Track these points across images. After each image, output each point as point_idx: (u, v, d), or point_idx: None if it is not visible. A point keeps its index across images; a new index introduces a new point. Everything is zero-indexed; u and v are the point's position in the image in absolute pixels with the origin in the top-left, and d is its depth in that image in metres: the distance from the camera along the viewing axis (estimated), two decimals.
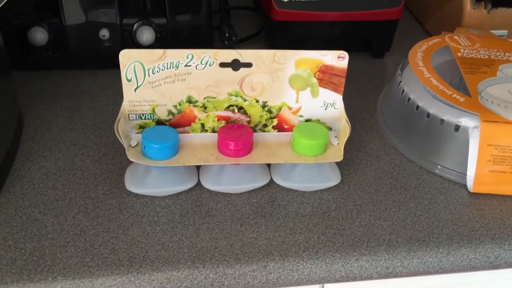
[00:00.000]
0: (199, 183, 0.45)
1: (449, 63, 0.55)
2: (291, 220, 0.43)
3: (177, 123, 0.45)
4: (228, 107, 0.45)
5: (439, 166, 0.49)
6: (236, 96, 0.44)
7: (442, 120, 0.48)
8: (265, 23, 0.69)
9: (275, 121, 0.46)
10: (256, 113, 0.45)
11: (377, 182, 0.48)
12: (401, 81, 0.53)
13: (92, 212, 0.43)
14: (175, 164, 0.43)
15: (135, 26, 0.59)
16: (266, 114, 0.46)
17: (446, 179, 0.48)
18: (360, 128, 0.54)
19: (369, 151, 0.51)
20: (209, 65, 0.42)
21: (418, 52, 0.55)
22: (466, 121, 0.46)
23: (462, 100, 0.48)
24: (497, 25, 0.67)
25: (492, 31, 0.64)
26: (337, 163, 0.47)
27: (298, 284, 0.40)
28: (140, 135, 0.44)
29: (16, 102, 0.51)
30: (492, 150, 0.45)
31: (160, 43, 0.60)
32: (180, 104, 0.44)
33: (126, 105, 0.43)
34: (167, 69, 0.42)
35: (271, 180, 0.46)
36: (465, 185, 0.47)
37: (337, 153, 0.45)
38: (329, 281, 0.41)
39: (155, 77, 0.42)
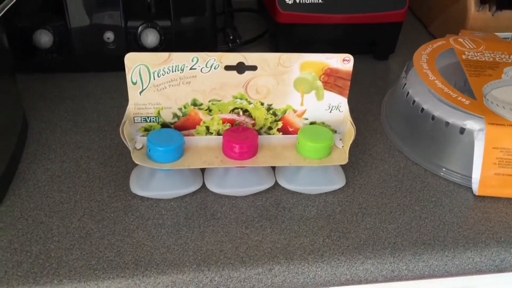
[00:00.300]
0: (204, 185, 0.45)
1: (454, 65, 0.55)
2: (296, 223, 0.43)
3: (182, 126, 0.45)
4: (233, 110, 0.45)
5: (444, 169, 0.49)
6: (241, 99, 0.44)
7: (447, 123, 0.47)
8: (269, 25, 0.69)
9: (280, 124, 0.46)
10: (261, 116, 0.45)
11: (382, 185, 0.48)
12: (405, 84, 0.53)
13: (97, 214, 0.43)
14: (180, 167, 0.43)
15: (139, 28, 0.59)
16: (271, 117, 0.46)
17: (451, 182, 0.48)
18: (365, 130, 0.54)
19: (374, 153, 0.51)
20: (214, 68, 0.42)
21: (423, 55, 0.55)
22: (471, 124, 0.46)
23: (467, 102, 0.48)
24: (501, 27, 0.67)
25: (496, 34, 0.64)
26: (342, 166, 0.47)
27: (304, 287, 0.40)
28: (145, 137, 0.44)
29: (21, 104, 0.51)
30: (498, 153, 0.45)
31: (164, 45, 0.60)
32: (185, 107, 0.44)
33: (131, 108, 0.43)
34: (172, 72, 0.42)
35: (276, 183, 0.46)
36: (470, 188, 0.47)
37: (341, 156, 0.45)
38: (334, 284, 0.41)
39: (160, 80, 0.42)
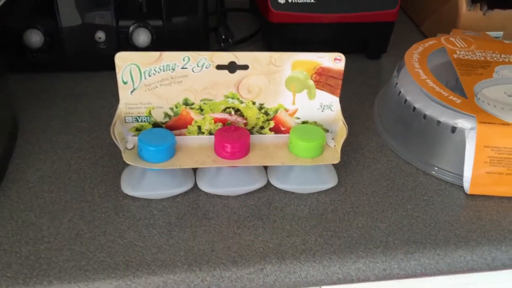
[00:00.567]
0: (195, 185, 0.45)
1: (445, 64, 0.55)
2: (288, 222, 0.43)
3: (173, 125, 0.45)
4: (224, 109, 0.45)
5: (435, 168, 0.49)
6: (232, 98, 0.44)
7: (438, 122, 0.48)
8: (261, 25, 0.69)
9: (272, 123, 0.46)
10: (252, 115, 0.45)
11: (374, 184, 0.48)
12: (397, 83, 0.53)
13: (88, 215, 0.42)
14: (172, 167, 0.42)
15: (131, 28, 0.59)
16: (262, 116, 0.46)
17: (443, 181, 0.48)
18: (357, 129, 0.54)
19: (366, 152, 0.51)
20: (206, 67, 0.42)
21: (415, 54, 0.55)
22: (463, 123, 0.46)
23: (459, 101, 0.48)
24: (492, 26, 0.67)
25: (487, 33, 0.64)
26: (334, 165, 0.47)
27: (296, 287, 0.40)
28: (136, 137, 0.44)
29: (12, 104, 0.51)
30: (489, 151, 0.45)
31: (156, 45, 0.60)
32: (176, 107, 0.44)
33: (122, 107, 0.43)
34: (163, 71, 0.42)
35: (268, 182, 0.46)
36: (462, 187, 0.47)
37: (334, 155, 0.45)
38: (326, 284, 0.41)
39: (151, 80, 0.42)
